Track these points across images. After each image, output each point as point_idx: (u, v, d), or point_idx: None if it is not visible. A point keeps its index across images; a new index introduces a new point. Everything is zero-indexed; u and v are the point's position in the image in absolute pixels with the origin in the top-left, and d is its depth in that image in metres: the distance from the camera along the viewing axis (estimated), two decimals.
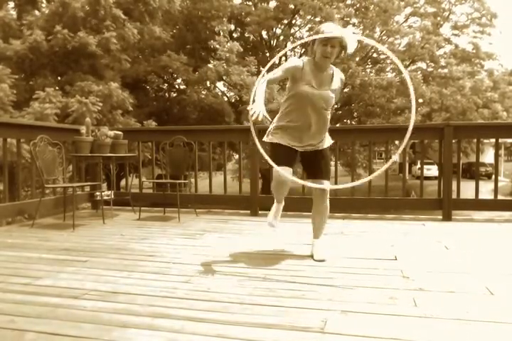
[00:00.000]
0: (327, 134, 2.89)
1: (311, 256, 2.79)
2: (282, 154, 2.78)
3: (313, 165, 2.88)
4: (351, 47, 2.60)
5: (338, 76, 2.78)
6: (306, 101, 2.70)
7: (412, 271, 2.44)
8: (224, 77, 14.29)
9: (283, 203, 3.00)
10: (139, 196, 5.16)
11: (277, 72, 2.66)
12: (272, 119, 2.75)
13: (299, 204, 4.58)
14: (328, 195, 2.82)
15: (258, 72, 14.96)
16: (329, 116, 2.80)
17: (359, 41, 2.73)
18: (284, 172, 2.62)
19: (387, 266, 2.56)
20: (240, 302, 1.99)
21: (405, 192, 5.29)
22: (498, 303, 1.96)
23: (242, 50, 13.72)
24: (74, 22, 9.63)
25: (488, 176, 22.46)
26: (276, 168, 2.61)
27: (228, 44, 13.38)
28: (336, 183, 4.81)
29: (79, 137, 4.50)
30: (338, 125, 16.01)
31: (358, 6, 17.03)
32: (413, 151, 20.71)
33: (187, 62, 13.78)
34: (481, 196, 4.48)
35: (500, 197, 4.68)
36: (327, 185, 2.80)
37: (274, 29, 17.14)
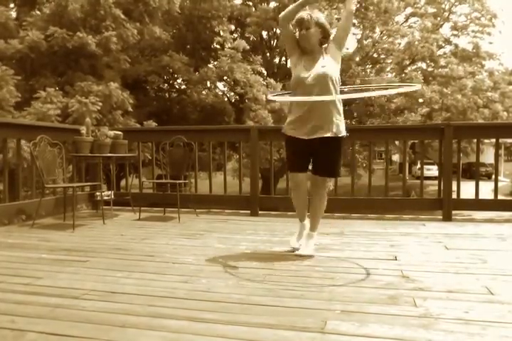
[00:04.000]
0: (341, 119, 2.79)
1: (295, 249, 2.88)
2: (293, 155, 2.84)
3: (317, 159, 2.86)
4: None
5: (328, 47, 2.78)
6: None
7: (412, 271, 2.44)
8: (225, 77, 14.29)
9: (306, 222, 2.97)
10: (139, 196, 5.16)
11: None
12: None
13: None
14: (326, 186, 2.89)
15: (262, 71, 15.03)
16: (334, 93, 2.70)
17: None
18: None
19: (387, 266, 2.56)
20: (240, 303, 1.99)
21: (405, 192, 5.29)
22: (498, 303, 1.95)
23: (248, 47, 13.74)
24: (73, 22, 9.63)
25: (488, 176, 22.45)
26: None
27: (235, 42, 13.44)
28: (335, 183, 4.82)
29: (79, 137, 4.50)
30: None
31: (357, 6, 17.00)
32: (413, 151, 20.69)
33: (188, 62, 13.78)
34: (481, 196, 4.47)
35: (500, 197, 4.68)
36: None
37: (274, 29, 17.14)
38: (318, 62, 2.73)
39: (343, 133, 2.80)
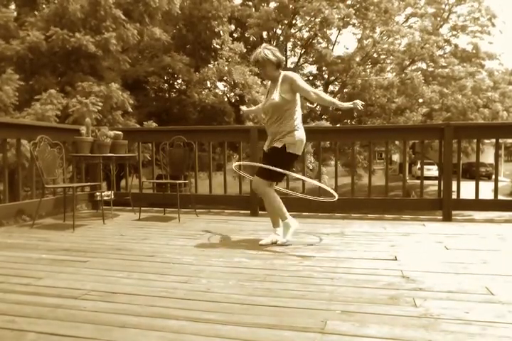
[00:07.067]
0: (290, 132, 3.11)
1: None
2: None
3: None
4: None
5: (282, 79, 3.15)
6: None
7: (412, 271, 2.44)
8: (225, 78, 14.30)
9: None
10: (139, 196, 5.16)
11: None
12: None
13: (298, 204, 4.58)
14: (257, 185, 3.17)
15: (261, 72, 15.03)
16: (286, 114, 3.12)
17: None
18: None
19: (387, 266, 2.56)
20: (240, 303, 1.99)
21: (405, 193, 5.29)
22: (498, 303, 1.95)
23: (245, 50, 13.77)
24: (73, 22, 9.63)
25: (489, 176, 22.46)
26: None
27: (234, 44, 13.47)
28: (336, 184, 4.82)
29: (79, 137, 4.50)
30: (338, 125, 16.02)
31: (358, 6, 17.00)
32: (413, 151, 20.72)
33: (188, 63, 13.79)
34: (481, 196, 4.47)
35: (500, 197, 4.68)
36: (255, 179, 3.19)
37: (275, 29, 17.16)
38: (273, 92, 3.17)
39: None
